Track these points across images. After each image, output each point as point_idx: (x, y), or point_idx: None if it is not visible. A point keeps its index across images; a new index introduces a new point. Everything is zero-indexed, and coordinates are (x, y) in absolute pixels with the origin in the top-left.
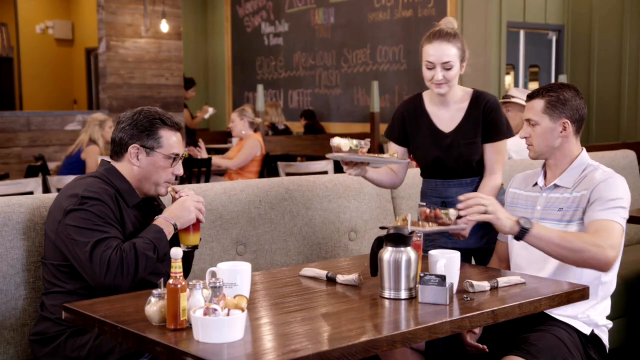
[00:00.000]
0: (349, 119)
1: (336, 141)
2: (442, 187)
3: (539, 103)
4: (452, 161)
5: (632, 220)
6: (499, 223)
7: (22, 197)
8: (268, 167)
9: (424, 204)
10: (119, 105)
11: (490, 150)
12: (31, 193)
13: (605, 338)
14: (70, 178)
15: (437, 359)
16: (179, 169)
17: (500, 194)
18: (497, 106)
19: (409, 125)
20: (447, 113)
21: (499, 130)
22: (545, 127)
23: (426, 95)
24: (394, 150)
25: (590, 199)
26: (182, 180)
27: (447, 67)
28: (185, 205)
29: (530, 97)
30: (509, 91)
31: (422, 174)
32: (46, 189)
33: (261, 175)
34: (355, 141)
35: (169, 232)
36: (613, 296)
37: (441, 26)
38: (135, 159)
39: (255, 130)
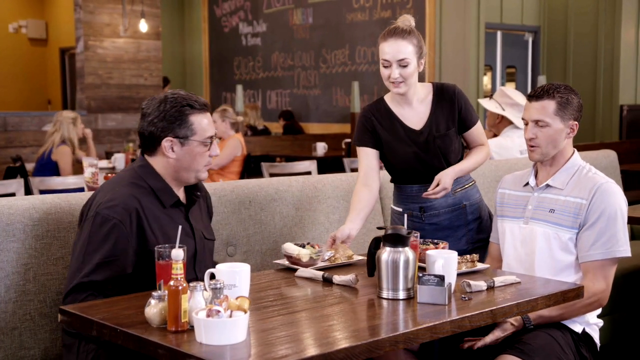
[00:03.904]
0: (327, 119)
1: (295, 251)
2: (418, 192)
3: (550, 104)
4: (431, 157)
5: (631, 221)
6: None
7: (11, 199)
8: (247, 167)
9: (401, 209)
10: (97, 106)
11: (475, 133)
12: (13, 194)
13: (596, 336)
14: (52, 179)
15: (431, 359)
16: (215, 150)
17: (476, 191)
18: (463, 93)
19: (380, 129)
20: (413, 111)
21: (474, 113)
22: (556, 129)
23: (388, 98)
24: (348, 251)
25: (588, 218)
26: None
27: (403, 64)
28: None
29: (538, 97)
30: (507, 91)
31: (395, 181)
32: (28, 191)
33: (242, 175)
34: (313, 250)
35: None
36: None
37: (397, 23)
38: (170, 151)
39: (237, 131)
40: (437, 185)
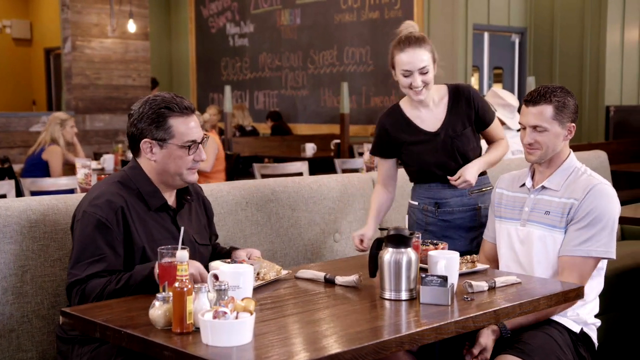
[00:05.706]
0: (316, 120)
1: None
2: (436, 189)
3: (547, 109)
4: (448, 158)
5: (621, 221)
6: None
7: (7, 200)
8: (236, 168)
9: (417, 203)
10: (85, 107)
11: (494, 129)
12: (4, 196)
13: (594, 336)
14: (44, 181)
15: (431, 359)
16: (199, 155)
17: (488, 192)
18: (478, 93)
19: (395, 137)
20: (429, 114)
21: (490, 111)
22: (554, 132)
23: (404, 104)
24: (275, 266)
25: (576, 215)
26: None
27: (423, 71)
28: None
29: (535, 102)
30: (499, 92)
31: (413, 180)
32: (19, 192)
33: (229, 173)
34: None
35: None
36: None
37: (409, 31)
38: (150, 153)
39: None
40: (459, 177)
